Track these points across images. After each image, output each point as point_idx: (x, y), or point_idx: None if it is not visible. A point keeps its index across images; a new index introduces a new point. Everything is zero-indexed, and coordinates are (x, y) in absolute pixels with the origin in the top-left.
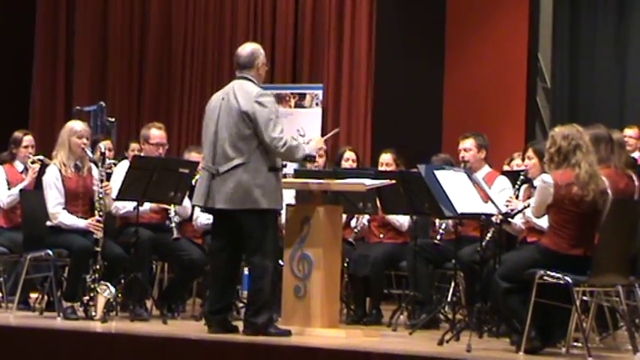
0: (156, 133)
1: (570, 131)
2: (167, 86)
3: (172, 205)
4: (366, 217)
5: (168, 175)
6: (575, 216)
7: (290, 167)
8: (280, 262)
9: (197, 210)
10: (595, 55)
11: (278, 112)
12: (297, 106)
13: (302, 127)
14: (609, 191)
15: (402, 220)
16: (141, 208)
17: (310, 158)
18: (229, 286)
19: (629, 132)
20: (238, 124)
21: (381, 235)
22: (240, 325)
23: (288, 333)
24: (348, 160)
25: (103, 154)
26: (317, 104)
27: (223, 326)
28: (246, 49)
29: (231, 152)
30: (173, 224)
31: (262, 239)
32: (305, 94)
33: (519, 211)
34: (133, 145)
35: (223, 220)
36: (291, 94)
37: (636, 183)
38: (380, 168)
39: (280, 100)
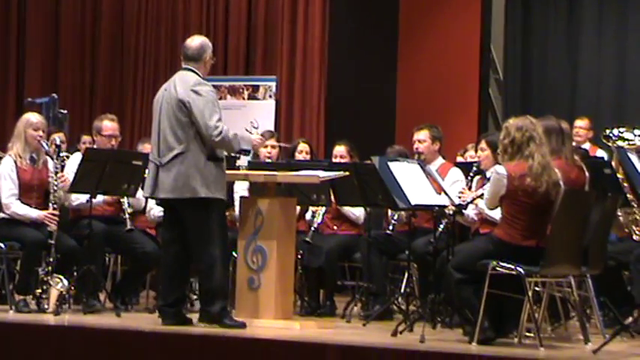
0: (108, 124)
1: (524, 123)
2: (119, 78)
3: (125, 197)
4: (322, 210)
5: (121, 167)
6: (528, 207)
7: (244, 159)
8: (234, 253)
9: (150, 202)
10: (547, 47)
11: (217, 101)
12: (250, 98)
13: (255, 119)
14: (562, 183)
15: (358, 213)
16: (94, 200)
17: (245, 152)
18: (182, 278)
19: (580, 123)
20: (176, 113)
21: (335, 227)
22: (195, 317)
23: (243, 325)
24: (302, 152)
25: (58, 146)
26: (270, 96)
27: (178, 319)
28: (195, 41)
29: (172, 142)
30: (126, 216)
31: (207, 229)
32: (258, 86)
33: (472, 200)
34: (85, 138)
35: (172, 211)
36: (245, 86)
37: (586, 174)
38: (334, 160)
39: (234, 92)
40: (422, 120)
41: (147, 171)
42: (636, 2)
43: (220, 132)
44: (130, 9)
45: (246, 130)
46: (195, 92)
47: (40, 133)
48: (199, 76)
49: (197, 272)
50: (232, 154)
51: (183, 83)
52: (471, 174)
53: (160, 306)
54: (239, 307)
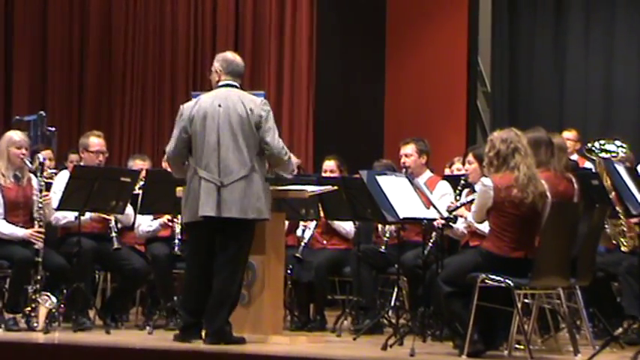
0: (95, 140)
1: (508, 135)
2: (108, 95)
3: (112, 215)
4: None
5: (110, 184)
6: (515, 219)
7: None
8: None
9: (139, 218)
10: (534, 59)
11: None
12: None
13: None
14: (548, 194)
15: (349, 228)
16: (82, 218)
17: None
18: (205, 296)
19: (568, 135)
20: (245, 131)
21: (325, 242)
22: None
23: (242, 340)
24: None
25: (41, 163)
26: None
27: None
28: (240, 58)
29: (237, 162)
30: (114, 234)
31: (245, 248)
32: None
33: (459, 207)
34: (72, 156)
35: (206, 231)
36: None
37: (575, 186)
38: (324, 174)
39: None
40: (410, 133)
41: (201, 190)
42: (622, 15)
43: (287, 152)
44: (118, 26)
45: None
46: (267, 112)
47: (23, 151)
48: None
49: (219, 290)
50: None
51: (249, 101)
52: (459, 187)
53: (185, 325)
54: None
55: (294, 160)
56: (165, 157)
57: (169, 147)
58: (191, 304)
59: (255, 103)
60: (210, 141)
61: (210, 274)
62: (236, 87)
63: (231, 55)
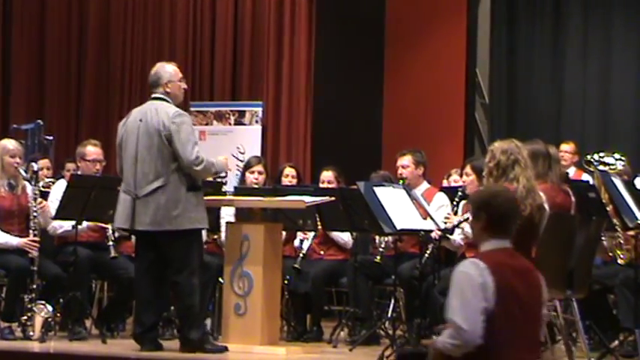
0: (92, 149)
1: (509, 146)
2: (106, 104)
3: (110, 224)
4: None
5: (107, 193)
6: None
7: (230, 185)
8: (220, 279)
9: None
10: (532, 71)
11: (194, 131)
12: (236, 123)
13: (242, 144)
14: (546, 206)
15: (347, 238)
16: (79, 227)
17: (220, 176)
18: (159, 304)
19: (566, 147)
20: (158, 144)
21: (322, 252)
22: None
23: (224, 349)
24: (288, 176)
25: (35, 172)
26: (257, 122)
27: (156, 344)
28: (167, 67)
29: (152, 174)
30: (111, 243)
31: (187, 258)
32: (245, 112)
33: (458, 224)
34: (69, 165)
35: (146, 240)
36: (231, 111)
37: (572, 198)
38: (321, 185)
39: (220, 117)
40: (408, 144)
41: (119, 202)
42: (620, 27)
43: (202, 161)
44: (116, 36)
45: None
46: (176, 124)
47: (17, 159)
48: (171, 103)
49: (175, 300)
50: (216, 179)
51: (163, 114)
52: (457, 199)
53: (138, 332)
54: (225, 332)
55: (220, 164)
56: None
57: None
58: (138, 313)
59: (168, 115)
60: (130, 155)
61: (153, 283)
62: (161, 99)
63: (157, 66)
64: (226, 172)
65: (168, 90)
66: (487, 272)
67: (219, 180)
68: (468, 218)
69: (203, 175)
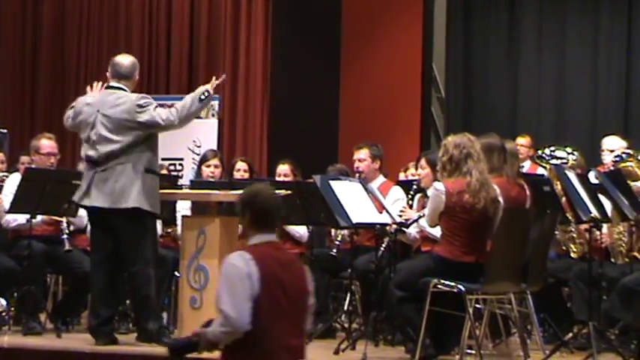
0: (46, 143)
1: (462, 140)
2: (61, 97)
3: (64, 217)
4: None
5: (62, 186)
6: (467, 223)
7: (186, 178)
8: (176, 273)
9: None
10: (488, 66)
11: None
12: None
13: (198, 137)
14: (500, 199)
15: (302, 232)
16: (33, 220)
17: (207, 95)
18: (115, 296)
19: (521, 141)
20: (118, 131)
21: None
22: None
23: None
24: (240, 170)
25: None
26: (213, 115)
27: (112, 337)
28: (128, 60)
29: (110, 154)
30: (65, 236)
31: (140, 247)
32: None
33: (414, 221)
34: (23, 158)
35: (102, 227)
36: None
37: (527, 192)
38: (278, 178)
39: None
40: (365, 138)
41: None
42: (574, 21)
43: (176, 112)
44: (71, 29)
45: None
46: (142, 106)
47: None
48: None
49: (131, 291)
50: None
51: (124, 102)
52: (412, 192)
53: (94, 325)
54: (181, 326)
55: (201, 89)
56: None
57: None
58: (94, 306)
59: (131, 99)
60: (88, 139)
61: (108, 276)
62: (119, 88)
63: (118, 58)
64: (211, 92)
65: (129, 84)
66: (252, 263)
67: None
68: (423, 215)
69: (193, 116)
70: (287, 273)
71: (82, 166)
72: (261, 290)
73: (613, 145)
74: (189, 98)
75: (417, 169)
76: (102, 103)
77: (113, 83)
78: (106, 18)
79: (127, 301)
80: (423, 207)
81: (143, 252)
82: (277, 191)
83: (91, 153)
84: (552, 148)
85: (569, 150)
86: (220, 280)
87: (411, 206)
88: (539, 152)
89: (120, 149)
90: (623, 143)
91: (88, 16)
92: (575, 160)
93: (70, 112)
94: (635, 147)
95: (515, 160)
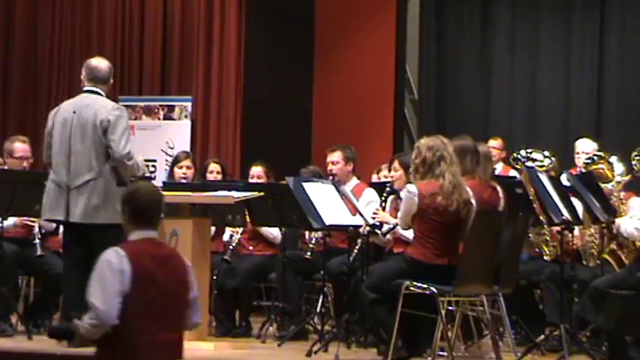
0: (19, 146)
1: (435, 142)
2: (33, 100)
3: (37, 220)
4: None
5: (34, 188)
6: (439, 226)
7: (158, 180)
8: None
9: None
10: (461, 68)
11: (129, 127)
12: (165, 118)
13: (171, 139)
14: (473, 201)
15: (276, 233)
16: (6, 223)
17: (146, 177)
18: (85, 301)
19: (493, 143)
20: (93, 137)
21: (251, 248)
22: None
23: None
24: (213, 172)
25: None
26: (186, 116)
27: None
28: (105, 64)
29: (85, 166)
30: (37, 240)
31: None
32: (174, 107)
33: (391, 229)
34: None
35: (76, 235)
36: (160, 105)
37: (500, 194)
38: (251, 180)
39: (149, 112)
40: (338, 140)
41: (51, 194)
42: (547, 23)
43: (132, 157)
44: (44, 32)
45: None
46: (115, 116)
47: None
48: (107, 98)
49: None
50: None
51: (100, 107)
52: (385, 194)
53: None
54: None
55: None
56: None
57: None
58: (66, 308)
59: (107, 108)
60: (63, 146)
61: (81, 278)
62: (97, 93)
63: (95, 62)
64: (144, 174)
65: (106, 88)
66: (126, 260)
67: (146, 175)
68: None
69: (129, 171)
70: (162, 269)
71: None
72: (132, 287)
73: (587, 148)
74: (139, 170)
75: (390, 171)
76: (79, 106)
77: (90, 87)
78: (78, 18)
79: None
80: (396, 209)
81: None
82: (250, 193)
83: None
84: (529, 150)
85: (546, 153)
86: (93, 274)
87: (384, 208)
88: (515, 154)
89: (93, 162)
90: (595, 145)
91: (61, 16)
92: (551, 164)
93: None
94: (606, 149)
95: (488, 162)
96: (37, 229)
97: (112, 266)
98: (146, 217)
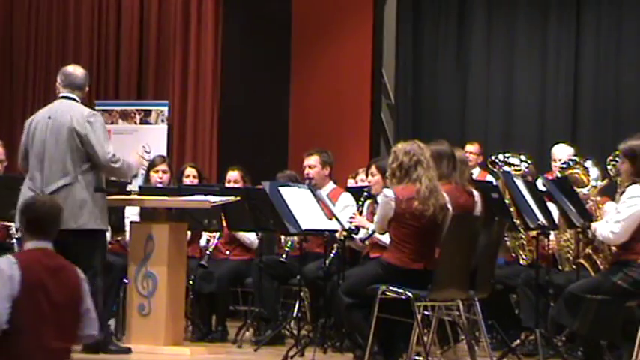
0: None
1: (412, 147)
2: (9, 104)
3: (13, 225)
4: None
5: (9, 192)
6: (416, 230)
7: (135, 184)
8: (124, 279)
9: None
10: (437, 73)
11: (107, 131)
12: (142, 122)
13: (147, 143)
14: (449, 206)
15: (253, 238)
16: None
17: (122, 183)
18: None
19: (470, 148)
20: (70, 143)
21: (227, 252)
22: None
23: (127, 350)
24: (189, 176)
25: None
26: (163, 121)
27: None
28: (81, 71)
29: (60, 172)
30: (14, 241)
31: (90, 259)
32: (150, 111)
33: (369, 236)
34: None
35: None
36: (137, 110)
37: (476, 199)
38: (227, 185)
39: (125, 116)
40: (315, 144)
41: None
42: (523, 28)
43: (118, 159)
44: (19, 34)
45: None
46: (92, 123)
47: None
48: (82, 104)
49: None
50: (129, 181)
51: (76, 113)
52: (362, 199)
53: None
54: (130, 333)
55: (135, 163)
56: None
57: None
58: None
59: (83, 114)
60: (38, 152)
61: None
62: (73, 99)
63: (71, 68)
64: (137, 175)
65: (81, 95)
66: (16, 267)
67: (130, 181)
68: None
69: (118, 174)
70: (54, 278)
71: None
72: (22, 293)
73: (563, 155)
74: (131, 170)
75: (367, 175)
76: (54, 112)
77: (66, 93)
78: (54, 22)
79: None
80: (373, 214)
81: (92, 262)
82: (226, 197)
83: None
84: (507, 155)
85: (523, 157)
86: None
87: (361, 212)
88: (493, 157)
89: (69, 167)
90: (572, 150)
91: (37, 20)
92: (527, 169)
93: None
94: (582, 153)
95: (465, 167)
96: (14, 231)
97: (3, 272)
98: (41, 228)
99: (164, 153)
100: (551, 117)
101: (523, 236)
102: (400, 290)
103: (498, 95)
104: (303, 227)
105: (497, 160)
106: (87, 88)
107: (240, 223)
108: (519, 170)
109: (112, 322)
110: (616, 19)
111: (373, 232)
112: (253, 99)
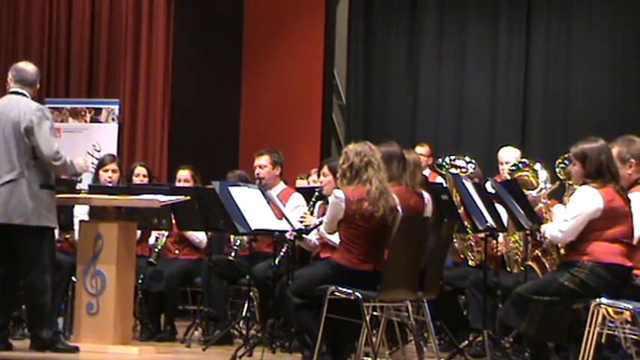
0: None
1: (363, 148)
2: None
3: None
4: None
5: None
6: (365, 231)
7: (84, 183)
8: (73, 278)
9: None
10: (389, 74)
11: (54, 127)
12: (92, 120)
13: (97, 142)
14: (399, 208)
15: (202, 237)
16: None
17: (77, 177)
18: (8, 303)
19: (420, 150)
20: (16, 137)
21: (177, 252)
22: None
23: (75, 349)
24: (139, 175)
25: None
26: (113, 119)
27: (3, 344)
28: (32, 67)
29: (6, 166)
30: None
31: (38, 255)
32: (101, 109)
33: (315, 227)
34: None
35: None
36: (87, 108)
37: (426, 201)
38: (178, 184)
39: (76, 114)
40: (265, 144)
41: None
42: (474, 29)
43: (61, 157)
44: None
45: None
46: (39, 117)
47: None
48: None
49: (26, 298)
50: (70, 178)
51: (24, 107)
52: (313, 199)
53: None
54: (77, 332)
55: (79, 165)
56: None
57: None
58: None
59: (30, 109)
60: None
61: (2, 281)
62: (22, 94)
63: (22, 64)
64: (81, 176)
65: (32, 91)
66: None
67: (74, 179)
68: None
69: (60, 171)
70: None
71: None
72: None
73: (510, 157)
74: (74, 169)
75: (319, 176)
76: (2, 107)
77: (17, 89)
78: (4, 18)
79: (23, 306)
80: (324, 214)
81: (40, 259)
82: (176, 197)
83: None
84: (452, 157)
85: (467, 159)
86: None
87: (312, 213)
88: (439, 160)
89: (15, 162)
90: (519, 153)
91: None
92: (474, 169)
93: None
94: (532, 156)
95: (417, 169)
96: None
97: None
98: None
99: (114, 151)
100: (502, 118)
101: (471, 237)
102: (349, 291)
103: (449, 96)
104: (253, 227)
105: (443, 163)
106: (38, 86)
107: (190, 222)
108: (466, 172)
109: (60, 321)
110: (566, 20)
111: (320, 222)
112: (204, 98)
